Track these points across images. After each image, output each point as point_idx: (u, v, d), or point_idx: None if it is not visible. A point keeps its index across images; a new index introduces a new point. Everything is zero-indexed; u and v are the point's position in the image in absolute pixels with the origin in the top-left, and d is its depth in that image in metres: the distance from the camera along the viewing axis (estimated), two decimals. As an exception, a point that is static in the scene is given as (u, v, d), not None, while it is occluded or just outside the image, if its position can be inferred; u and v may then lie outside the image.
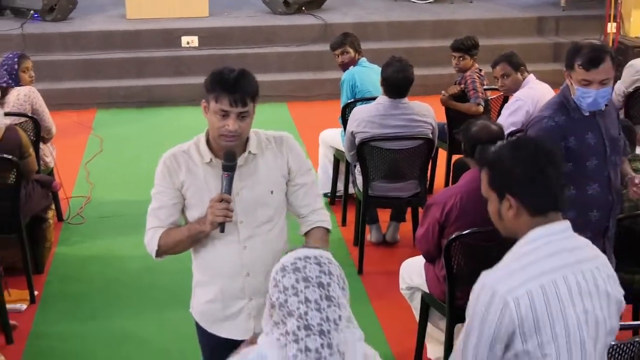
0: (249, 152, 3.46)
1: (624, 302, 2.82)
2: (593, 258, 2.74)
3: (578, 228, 4.20)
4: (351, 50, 7.20)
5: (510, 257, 2.66)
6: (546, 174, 2.68)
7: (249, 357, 2.34)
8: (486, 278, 2.61)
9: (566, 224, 2.73)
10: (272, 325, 2.30)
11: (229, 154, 3.35)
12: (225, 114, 3.30)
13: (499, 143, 2.81)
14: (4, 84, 6.59)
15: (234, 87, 3.27)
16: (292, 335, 2.24)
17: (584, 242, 2.79)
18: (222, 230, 3.35)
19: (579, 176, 4.19)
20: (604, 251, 4.26)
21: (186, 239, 3.48)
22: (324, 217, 3.60)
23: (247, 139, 3.46)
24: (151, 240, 3.53)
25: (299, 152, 3.60)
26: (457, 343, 2.72)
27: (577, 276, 2.62)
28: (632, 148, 5.06)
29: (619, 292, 2.79)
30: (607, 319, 2.67)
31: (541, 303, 2.52)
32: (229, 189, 3.33)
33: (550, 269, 2.58)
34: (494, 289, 2.55)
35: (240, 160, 3.42)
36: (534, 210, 2.68)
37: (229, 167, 3.34)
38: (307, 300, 2.25)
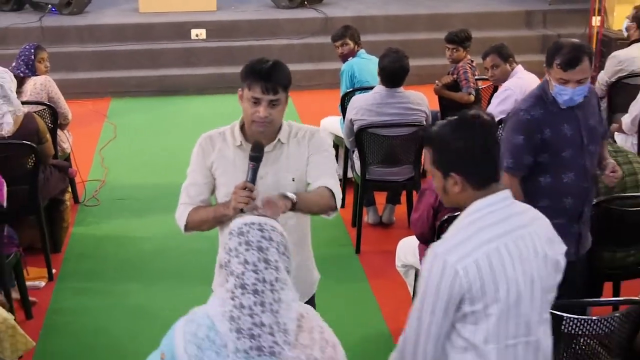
0: (278, 139, 3.45)
1: (561, 261, 2.80)
2: (532, 222, 2.74)
3: (552, 214, 4.15)
4: (351, 42, 7.19)
5: (456, 228, 2.67)
6: (489, 151, 2.67)
7: (197, 314, 2.40)
8: (437, 249, 2.63)
9: (506, 193, 2.72)
10: (219, 284, 2.40)
11: (256, 145, 3.33)
12: (257, 101, 3.30)
13: (440, 122, 2.76)
14: (21, 74, 6.60)
15: (266, 76, 3.27)
16: (230, 293, 2.30)
17: (523, 207, 2.78)
18: None
19: (555, 165, 4.13)
20: (579, 234, 4.25)
21: (212, 219, 3.47)
22: (330, 182, 3.45)
23: (280, 128, 3.46)
24: (181, 216, 3.51)
25: (318, 139, 3.55)
26: (412, 310, 2.72)
27: (518, 241, 2.63)
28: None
29: (556, 253, 2.78)
30: (543, 279, 2.69)
31: (487, 270, 2.55)
32: (253, 178, 3.30)
33: (493, 236, 2.60)
34: (445, 260, 2.57)
35: (269, 147, 3.41)
36: (478, 185, 2.68)
37: (255, 158, 3.31)
38: (246, 262, 2.31)
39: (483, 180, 2.68)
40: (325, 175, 3.48)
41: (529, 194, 4.19)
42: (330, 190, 3.42)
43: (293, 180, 3.46)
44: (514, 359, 2.66)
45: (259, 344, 2.27)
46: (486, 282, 2.56)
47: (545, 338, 2.76)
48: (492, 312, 2.58)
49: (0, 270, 4.92)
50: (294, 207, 3.22)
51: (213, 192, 3.56)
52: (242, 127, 3.48)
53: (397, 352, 2.79)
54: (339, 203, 3.48)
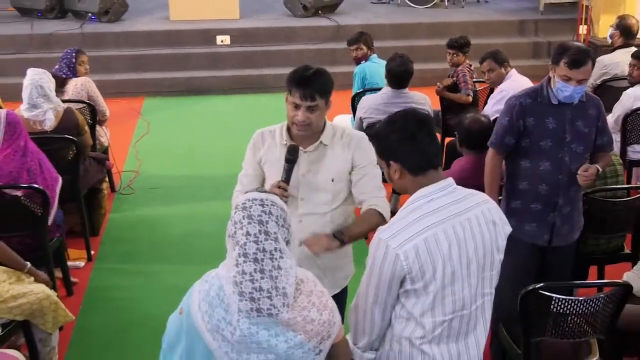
0: (320, 141, 3.40)
1: (502, 242, 2.76)
2: (472, 208, 2.70)
3: (530, 197, 4.20)
4: (364, 47, 7.17)
5: (400, 215, 2.67)
6: (417, 138, 2.66)
7: (210, 276, 2.48)
8: (381, 235, 2.64)
9: (446, 182, 2.70)
10: (228, 252, 2.42)
11: (291, 149, 3.31)
12: (296, 106, 3.27)
13: (383, 119, 2.81)
14: (64, 75, 6.63)
15: (304, 84, 3.23)
16: (235, 260, 2.35)
17: (464, 194, 2.74)
18: None
19: (534, 152, 4.15)
20: (553, 224, 4.23)
21: None
22: (379, 202, 3.37)
23: (323, 130, 3.40)
24: (234, 201, 3.50)
25: (366, 149, 3.45)
26: (360, 285, 2.75)
27: (456, 226, 2.62)
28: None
29: (498, 234, 2.75)
30: (479, 258, 2.68)
31: (425, 254, 2.57)
32: (287, 177, 3.29)
33: (432, 224, 2.60)
34: (387, 245, 2.59)
35: (311, 148, 3.38)
36: (414, 171, 2.68)
37: (290, 160, 3.29)
38: (248, 234, 2.34)
39: (417, 167, 2.68)
40: (375, 192, 3.40)
41: (513, 173, 4.28)
42: (379, 212, 3.34)
43: (332, 180, 3.40)
44: (449, 330, 2.69)
45: (259, 306, 2.31)
46: (424, 264, 2.58)
47: (480, 310, 2.76)
48: (431, 290, 2.61)
49: (45, 253, 4.92)
50: (343, 244, 3.26)
51: (264, 182, 3.52)
52: (289, 128, 3.44)
53: (352, 317, 2.82)
54: (387, 218, 3.35)
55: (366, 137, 3.54)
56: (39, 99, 5.59)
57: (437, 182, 2.69)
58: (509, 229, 2.81)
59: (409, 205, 2.69)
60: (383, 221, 3.32)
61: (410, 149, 2.67)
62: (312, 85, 3.23)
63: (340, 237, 3.26)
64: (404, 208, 2.70)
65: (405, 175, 2.70)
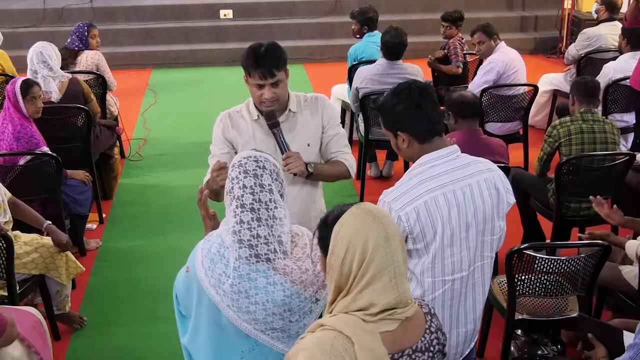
0: (289, 110, 3.34)
1: (503, 209, 2.74)
2: (475, 175, 2.67)
3: None
4: (357, 24, 7.03)
5: (404, 179, 2.67)
6: (421, 107, 2.63)
7: (212, 235, 2.50)
8: (385, 198, 2.64)
9: (451, 149, 2.67)
10: (227, 208, 2.44)
11: (268, 115, 3.24)
12: (260, 86, 3.21)
13: (385, 93, 2.76)
14: (76, 48, 6.58)
15: (261, 63, 3.15)
16: (233, 212, 2.37)
17: (468, 161, 2.71)
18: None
19: None
20: None
21: None
22: (348, 158, 3.43)
23: (288, 99, 3.34)
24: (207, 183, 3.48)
25: (331, 109, 3.46)
26: None
27: (456, 191, 2.61)
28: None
29: (501, 201, 2.72)
30: (479, 223, 2.66)
31: (425, 216, 2.56)
32: (284, 143, 3.23)
33: (433, 188, 2.59)
34: (390, 207, 2.59)
35: (282, 118, 3.31)
36: (421, 138, 2.65)
37: (274, 124, 3.23)
38: (244, 187, 2.37)
39: (423, 134, 2.65)
40: (343, 149, 3.42)
41: None
42: (347, 166, 3.39)
43: (308, 145, 3.35)
44: (452, 292, 2.69)
45: (257, 252, 2.34)
46: (425, 226, 2.57)
47: (480, 272, 2.75)
48: (431, 250, 2.61)
49: (58, 215, 4.93)
50: (310, 176, 3.24)
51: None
52: (255, 103, 3.36)
53: None
54: (353, 173, 3.44)
55: (325, 96, 3.49)
56: (39, 64, 5.58)
57: (441, 148, 2.66)
58: (512, 199, 2.77)
59: (412, 170, 2.67)
60: (348, 174, 3.40)
61: (416, 117, 2.64)
62: (267, 62, 3.15)
63: (311, 169, 3.24)
64: (408, 173, 2.68)
65: (413, 144, 2.67)
